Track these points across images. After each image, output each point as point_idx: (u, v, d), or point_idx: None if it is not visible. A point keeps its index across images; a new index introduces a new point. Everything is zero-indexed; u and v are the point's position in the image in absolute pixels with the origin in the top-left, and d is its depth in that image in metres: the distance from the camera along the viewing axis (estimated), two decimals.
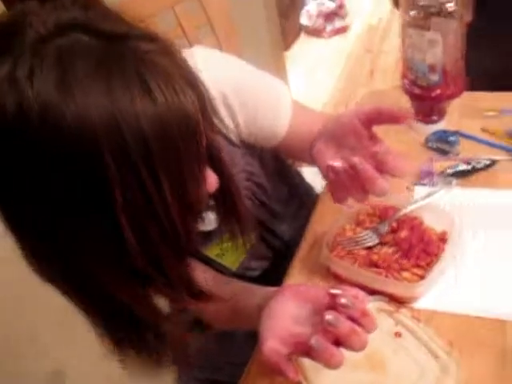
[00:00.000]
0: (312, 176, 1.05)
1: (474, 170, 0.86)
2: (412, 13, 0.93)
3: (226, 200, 0.60)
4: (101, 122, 0.39)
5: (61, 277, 0.50)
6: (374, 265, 0.70)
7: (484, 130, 0.94)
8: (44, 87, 0.39)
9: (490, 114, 0.97)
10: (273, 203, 0.86)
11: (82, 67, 0.40)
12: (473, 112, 1.00)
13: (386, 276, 0.69)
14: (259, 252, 0.85)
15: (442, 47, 0.88)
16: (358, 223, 0.77)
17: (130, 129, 0.40)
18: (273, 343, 0.55)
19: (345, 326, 0.50)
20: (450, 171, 0.86)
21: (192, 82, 0.46)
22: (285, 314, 0.57)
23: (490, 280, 0.69)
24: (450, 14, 0.89)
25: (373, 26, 3.29)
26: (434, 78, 0.91)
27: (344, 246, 0.73)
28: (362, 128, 0.63)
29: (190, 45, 1.07)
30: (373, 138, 0.64)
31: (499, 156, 0.87)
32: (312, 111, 0.84)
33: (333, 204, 0.85)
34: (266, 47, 2.07)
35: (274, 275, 0.86)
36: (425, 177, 0.86)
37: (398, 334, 0.64)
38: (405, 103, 0.98)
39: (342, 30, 3.30)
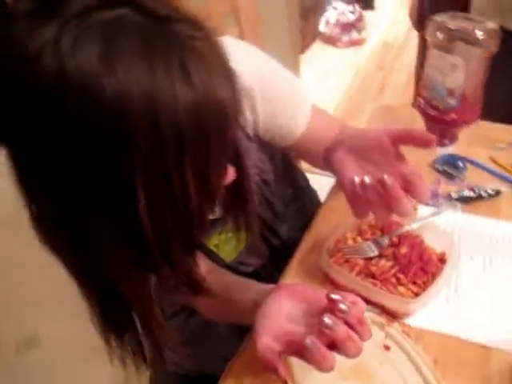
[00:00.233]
0: (317, 182, 1.06)
1: (479, 198, 0.87)
2: (438, 34, 0.94)
3: (237, 193, 0.60)
4: (138, 99, 0.39)
5: (66, 250, 0.49)
6: (371, 276, 0.71)
7: (492, 160, 0.96)
8: (86, 58, 0.39)
9: (500, 145, 0.98)
10: (276, 202, 0.87)
11: (127, 43, 0.40)
12: (482, 140, 1.01)
13: (381, 288, 0.69)
14: (257, 249, 0.86)
15: (464, 73, 0.89)
16: (360, 233, 0.78)
17: (166, 111, 0.40)
18: (267, 340, 0.55)
19: (342, 330, 0.51)
20: (454, 195, 0.87)
21: (229, 74, 0.46)
22: (280, 312, 0.58)
23: (481, 306, 0.70)
24: (476, 42, 0.90)
25: (388, 42, 3.31)
26: (452, 102, 0.92)
27: (344, 253, 0.73)
28: (389, 145, 0.63)
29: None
30: (399, 156, 0.64)
31: (504, 187, 0.89)
32: (329, 116, 0.85)
33: (335, 210, 0.86)
34: (284, 47, 2.08)
35: (267, 274, 0.87)
36: (430, 197, 0.87)
37: (386, 347, 0.65)
38: (416, 122, 0.99)
39: (358, 43, 3.32)
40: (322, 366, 0.51)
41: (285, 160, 0.91)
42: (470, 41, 0.91)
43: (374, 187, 0.60)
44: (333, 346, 0.52)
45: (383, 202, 0.60)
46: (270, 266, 0.87)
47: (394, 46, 3.27)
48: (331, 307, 0.53)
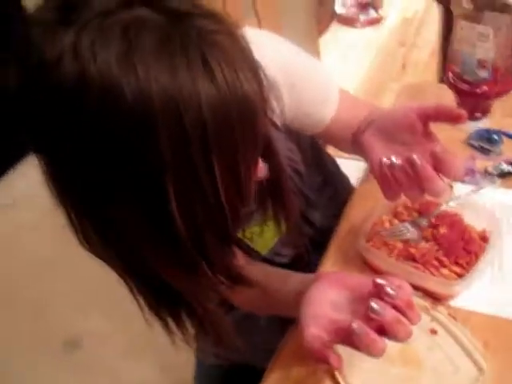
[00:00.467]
0: (347, 168, 1.04)
1: None
2: (464, 4, 0.91)
3: (273, 187, 0.59)
4: (160, 98, 0.39)
5: (108, 253, 0.50)
6: (411, 258, 0.69)
7: None
8: (105, 59, 0.38)
9: None
10: (307, 190, 0.85)
11: (146, 42, 0.39)
12: None
13: (423, 271, 0.67)
14: (292, 239, 0.84)
15: (494, 42, 0.86)
16: (396, 215, 0.76)
17: (188, 107, 0.39)
18: (314, 330, 0.54)
19: (390, 314, 0.49)
20: (491, 170, 0.84)
21: (253, 67, 0.45)
22: (325, 301, 0.56)
23: None
24: (505, 9, 0.86)
25: (407, 18, 3.23)
26: (483, 74, 0.88)
27: (382, 235, 0.72)
28: (418, 123, 0.61)
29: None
30: (428, 135, 0.62)
31: None
32: (356, 98, 0.83)
33: (369, 194, 0.84)
34: (301, 32, 2.05)
35: (303, 263, 0.85)
36: (466, 174, 0.84)
37: (433, 331, 0.63)
38: (445, 98, 0.96)
39: (376, 21, 3.25)
40: (372, 350, 0.49)
41: (313, 148, 0.89)
42: (499, 8, 0.87)
43: (403, 167, 0.58)
44: (381, 332, 0.50)
45: (414, 183, 0.58)
46: (305, 256, 0.86)
47: (413, 21, 3.19)
48: (377, 292, 0.52)
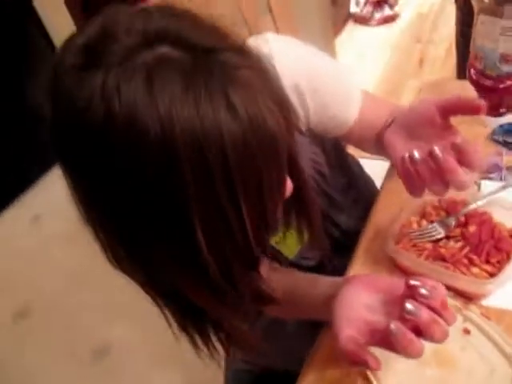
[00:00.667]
0: (371, 168, 1.04)
1: None
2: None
3: (297, 201, 0.58)
4: (182, 134, 0.39)
5: (139, 276, 0.51)
6: (440, 258, 0.69)
7: None
8: (130, 99, 0.39)
9: None
10: (332, 192, 0.85)
11: (168, 81, 0.40)
12: None
13: (454, 271, 0.67)
14: (318, 242, 0.84)
15: None
16: (424, 216, 0.75)
17: (210, 144, 0.40)
18: (349, 332, 0.54)
19: (425, 314, 0.49)
20: None
21: (279, 98, 0.45)
22: (358, 303, 0.56)
23: None
24: None
25: (422, 14, 3.20)
26: (506, 68, 0.87)
27: (411, 237, 0.71)
28: (438, 117, 0.61)
29: (248, 26, 1.06)
30: (449, 128, 0.62)
31: None
32: (378, 99, 0.82)
33: (395, 195, 0.83)
34: (317, 33, 2.05)
35: (330, 266, 0.85)
36: (492, 171, 0.83)
37: (466, 331, 0.63)
38: (469, 95, 0.95)
39: (391, 19, 3.23)
40: (410, 351, 0.49)
41: (336, 149, 0.89)
42: None
43: (426, 162, 0.58)
44: (417, 333, 0.50)
45: (437, 176, 0.58)
46: (332, 258, 0.86)
47: (429, 16, 3.16)
48: (411, 293, 0.52)
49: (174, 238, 0.44)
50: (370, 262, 0.74)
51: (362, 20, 3.25)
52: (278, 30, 1.11)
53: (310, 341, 0.73)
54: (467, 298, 0.66)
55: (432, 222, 0.73)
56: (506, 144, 0.90)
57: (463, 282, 0.65)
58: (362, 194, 0.94)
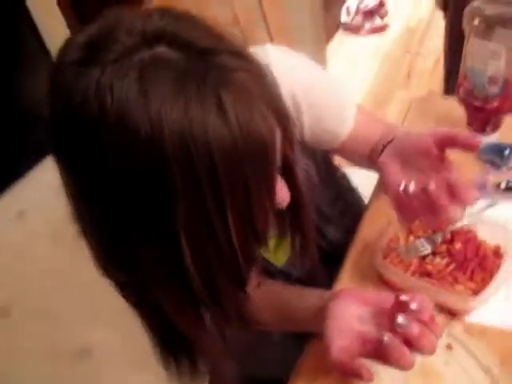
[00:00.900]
0: (359, 178, 1.05)
1: None
2: (476, 22, 0.92)
3: (292, 211, 0.59)
4: (171, 136, 0.39)
5: (123, 280, 0.52)
6: (426, 274, 0.70)
7: None
8: (122, 98, 0.39)
9: None
10: (321, 204, 0.86)
11: (161, 81, 0.40)
12: None
13: (439, 287, 0.69)
14: (308, 252, 0.86)
15: (505, 59, 0.87)
16: (411, 231, 0.77)
17: (198, 147, 0.40)
18: (341, 343, 0.55)
19: (416, 327, 0.51)
20: (503, 185, 0.86)
21: (277, 106, 0.45)
22: (349, 316, 0.58)
23: None
24: None
25: (412, 27, 3.25)
26: (494, 90, 0.90)
27: (398, 252, 0.73)
28: (434, 150, 0.62)
29: (243, 34, 1.07)
30: (444, 161, 0.63)
31: None
32: (371, 114, 0.84)
33: (382, 209, 0.85)
34: (309, 40, 2.06)
35: (318, 276, 0.86)
36: (478, 189, 0.85)
37: (449, 347, 0.64)
38: (454, 111, 0.98)
39: (381, 29, 3.26)
40: (402, 363, 0.51)
41: (326, 162, 0.90)
42: (510, 25, 0.88)
43: (419, 195, 0.60)
44: (407, 346, 0.52)
45: (429, 211, 0.59)
46: (320, 269, 0.87)
47: (418, 30, 3.21)
48: (400, 307, 0.53)
49: (162, 239, 0.44)
50: (357, 276, 0.76)
51: (353, 29, 3.28)
52: (271, 38, 1.12)
53: (296, 350, 0.74)
54: (451, 313, 0.68)
55: (419, 237, 0.75)
56: (492, 163, 0.92)
57: (448, 299, 0.67)
58: (349, 206, 0.96)
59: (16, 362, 1.34)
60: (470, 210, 0.78)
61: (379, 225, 0.81)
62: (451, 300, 0.67)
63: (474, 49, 0.90)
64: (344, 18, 3.30)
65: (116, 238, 0.46)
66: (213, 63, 0.42)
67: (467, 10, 0.92)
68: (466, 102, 0.95)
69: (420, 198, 0.59)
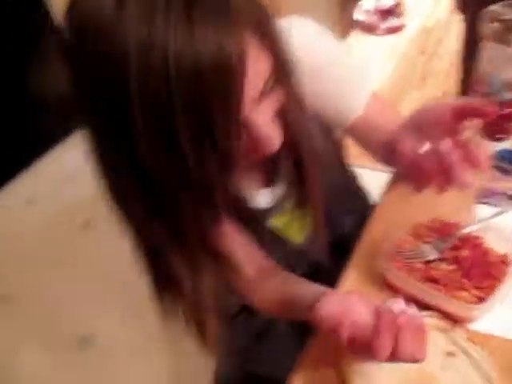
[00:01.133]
0: (369, 178, 1.05)
1: None
2: (493, 26, 0.91)
3: (298, 165, 0.61)
4: (134, 40, 0.42)
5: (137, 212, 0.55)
6: (431, 280, 0.70)
7: None
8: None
9: None
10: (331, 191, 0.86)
11: None
12: None
13: (444, 293, 0.68)
14: (320, 233, 0.84)
15: None
16: (418, 236, 0.76)
17: (158, 52, 0.42)
18: (331, 307, 0.57)
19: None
20: None
21: (263, 30, 0.47)
22: (353, 301, 0.59)
23: None
24: None
25: (429, 27, 3.22)
26: (509, 95, 0.89)
27: (403, 257, 0.72)
28: (451, 122, 0.62)
29: None
30: (457, 131, 0.63)
31: None
32: (390, 105, 0.83)
33: (390, 213, 0.85)
34: None
35: (325, 270, 0.85)
36: (489, 196, 0.84)
37: (450, 354, 0.64)
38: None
39: (397, 29, 3.23)
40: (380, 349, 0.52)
41: (339, 157, 0.90)
42: None
43: (432, 157, 0.59)
44: (393, 355, 0.53)
45: (441, 171, 0.59)
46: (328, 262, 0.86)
47: (435, 30, 3.18)
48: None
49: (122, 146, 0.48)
50: (362, 278, 0.75)
51: (368, 28, 3.25)
52: None
53: (299, 342, 0.73)
54: (454, 320, 0.67)
55: (425, 242, 0.74)
56: (502, 170, 0.91)
57: (451, 305, 0.66)
58: (360, 200, 0.96)
59: (18, 348, 1.36)
60: (478, 217, 0.78)
61: (386, 229, 0.80)
62: (455, 307, 0.66)
63: (490, 53, 0.89)
64: (360, 16, 3.28)
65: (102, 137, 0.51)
66: None
67: (485, 14, 0.91)
68: None
69: (432, 160, 0.59)
